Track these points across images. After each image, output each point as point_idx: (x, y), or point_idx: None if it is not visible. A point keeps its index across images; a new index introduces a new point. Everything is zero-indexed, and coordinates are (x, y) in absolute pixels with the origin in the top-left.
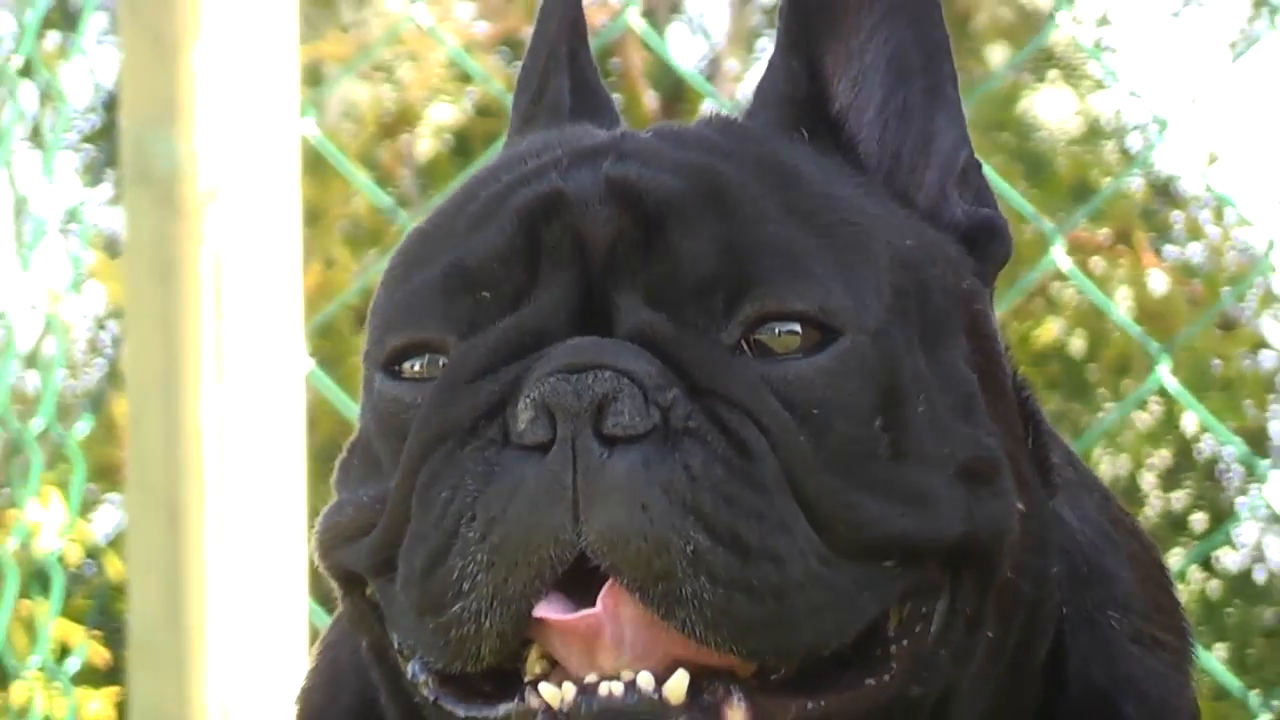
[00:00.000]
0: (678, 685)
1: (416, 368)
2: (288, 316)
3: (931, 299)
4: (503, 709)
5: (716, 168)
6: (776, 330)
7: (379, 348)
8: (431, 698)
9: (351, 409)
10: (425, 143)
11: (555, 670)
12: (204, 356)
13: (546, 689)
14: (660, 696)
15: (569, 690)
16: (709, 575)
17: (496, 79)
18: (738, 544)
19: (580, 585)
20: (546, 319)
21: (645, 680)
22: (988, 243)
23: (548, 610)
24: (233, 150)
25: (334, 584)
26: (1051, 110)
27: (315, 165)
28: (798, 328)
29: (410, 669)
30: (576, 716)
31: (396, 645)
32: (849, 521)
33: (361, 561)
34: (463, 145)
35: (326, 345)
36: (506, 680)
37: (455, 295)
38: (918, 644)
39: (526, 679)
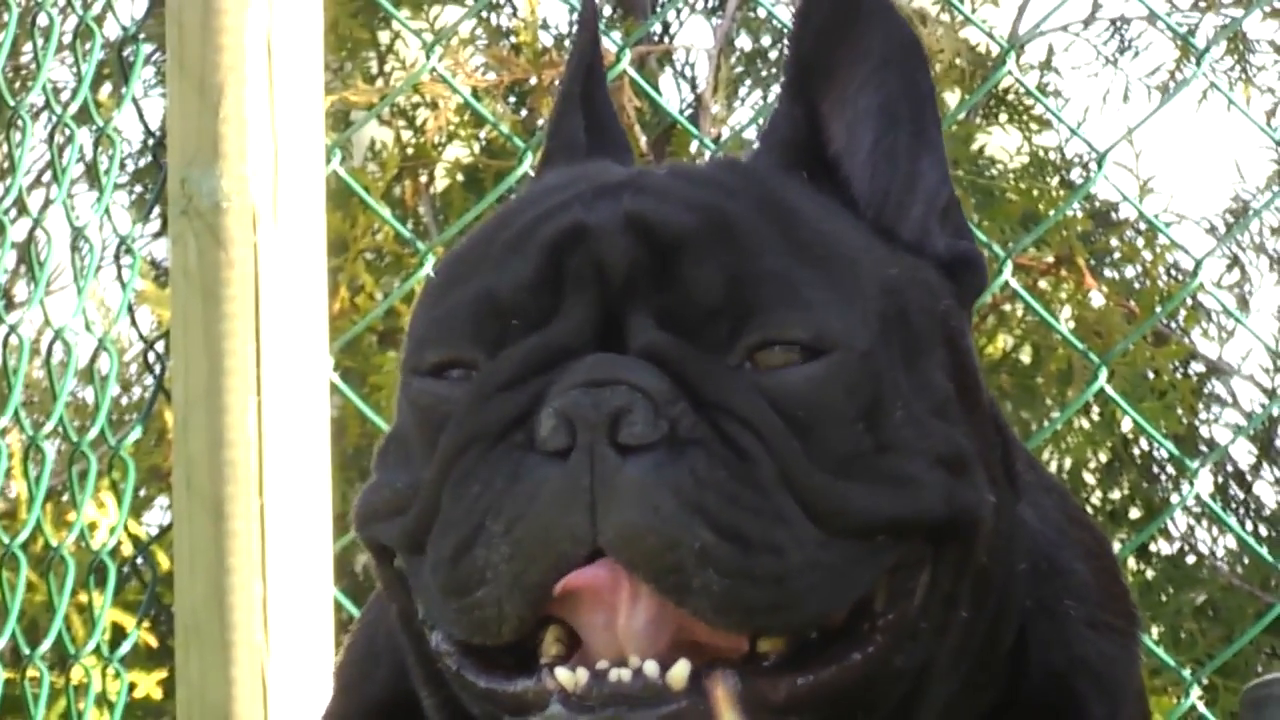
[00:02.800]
0: (679, 673)
1: (451, 376)
2: (316, 335)
3: (911, 320)
4: (520, 685)
5: (724, 205)
6: (774, 351)
7: (417, 358)
8: (455, 667)
9: (373, 418)
10: (441, 180)
11: (573, 653)
12: (244, 371)
13: (562, 673)
14: (664, 683)
15: (583, 675)
16: (716, 567)
17: (505, 122)
18: (740, 538)
19: None
20: (569, 337)
21: (651, 668)
22: (965, 272)
23: (563, 581)
24: (268, 186)
25: (368, 552)
26: (1002, 148)
27: (343, 200)
28: (793, 351)
29: (434, 639)
30: (589, 698)
31: (421, 616)
32: (841, 509)
33: (394, 538)
34: (474, 182)
35: (352, 361)
36: (525, 656)
37: (486, 318)
38: (901, 616)
39: (543, 660)
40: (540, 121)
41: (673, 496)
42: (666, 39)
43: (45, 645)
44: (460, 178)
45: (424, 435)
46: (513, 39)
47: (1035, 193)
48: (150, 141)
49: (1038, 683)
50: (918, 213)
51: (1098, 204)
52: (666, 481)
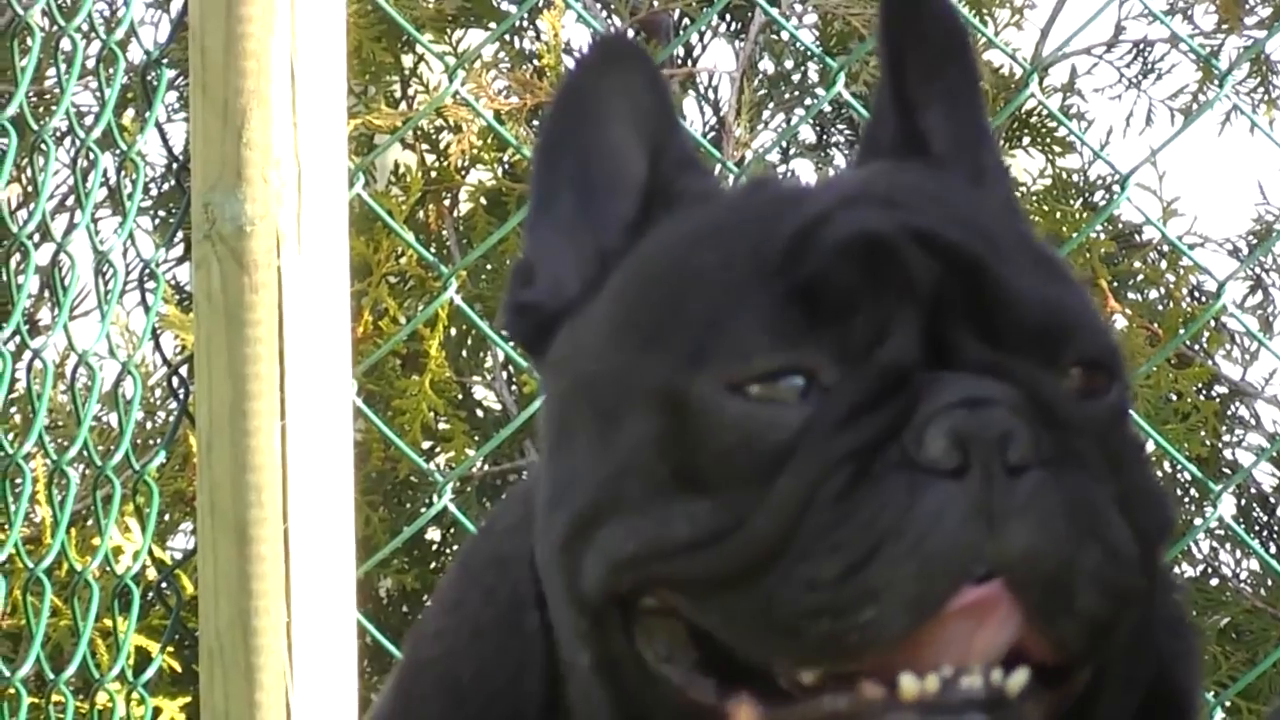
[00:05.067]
0: (1019, 681)
1: (779, 391)
2: (339, 359)
3: None
4: (830, 703)
5: (981, 220)
6: (1084, 372)
7: (732, 370)
8: (713, 699)
9: (397, 442)
10: (464, 204)
11: (830, 680)
12: (268, 395)
13: (909, 682)
14: (1005, 689)
15: (933, 682)
16: (1101, 587)
17: (528, 146)
18: (1118, 558)
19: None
20: (910, 355)
21: (997, 675)
22: None
23: (961, 598)
24: (292, 210)
25: (598, 598)
26: (1025, 170)
27: (366, 224)
28: (1095, 370)
29: (676, 676)
30: (940, 706)
31: (664, 653)
32: (1136, 528)
33: (698, 570)
34: (497, 205)
35: (375, 385)
36: (772, 685)
37: (819, 323)
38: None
39: (808, 683)
40: None
41: (1065, 516)
42: (689, 62)
43: (70, 671)
44: (483, 201)
45: (753, 457)
46: (536, 62)
47: (1058, 215)
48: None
49: (1162, 690)
50: None
51: (1121, 226)
52: (1059, 501)
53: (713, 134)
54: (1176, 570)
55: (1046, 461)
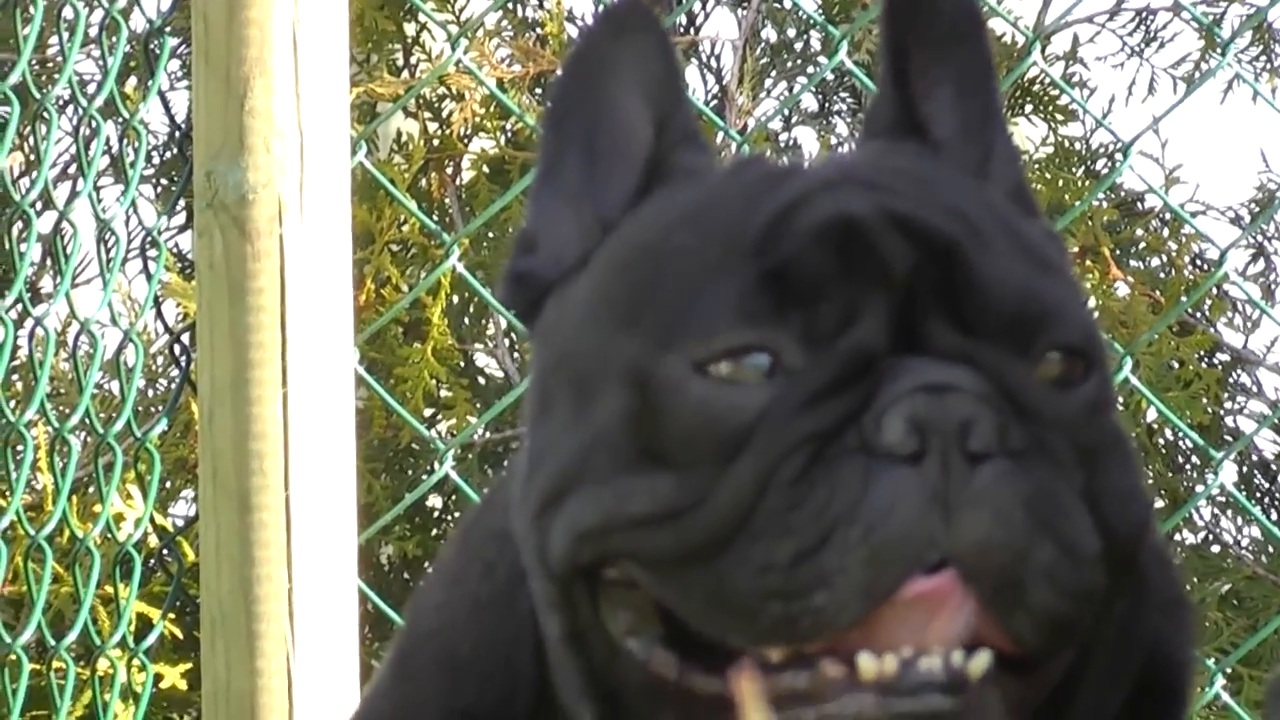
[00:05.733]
0: (980, 664)
1: (744, 371)
2: (342, 327)
3: None
4: (788, 679)
5: (963, 206)
6: (1059, 361)
7: (697, 348)
8: (674, 675)
9: (399, 410)
10: (467, 172)
11: (794, 658)
12: (270, 364)
13: (867, 661)
14: (966, 672)
15: (891, 663)
16: (1051, 583)
17: (530, 114)
18: (1073, 552)
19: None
20: (876, 338)
21: (958, 658)
22: None
23: (911, 587)
24: (294, 179)
25: (563, 568)
26: (1027, 139)
27: (369, 192)
28: (1071, 358)
29: (639, 649)
30: (897, 686)
31: (627, 626)
32: (1104, 525)
33: (657, 547)
34: (500, 174)
35: (377, 354)
36: (725, 660)
37: (785, 304)
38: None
39: (775, 660)
40: None
41: (1022, 508)
42: (691, 30)
43: (71, 637)
44: (486, 170)
45: (714, 437)
46: (539, 30)
47: (1061, 183)
48: (176, 134)
49: (1153, 671)
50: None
51: (1123, 194)
52: (1018, 492)
53: (715, 102)
54: (1177, 537)
55: (1010, 451)
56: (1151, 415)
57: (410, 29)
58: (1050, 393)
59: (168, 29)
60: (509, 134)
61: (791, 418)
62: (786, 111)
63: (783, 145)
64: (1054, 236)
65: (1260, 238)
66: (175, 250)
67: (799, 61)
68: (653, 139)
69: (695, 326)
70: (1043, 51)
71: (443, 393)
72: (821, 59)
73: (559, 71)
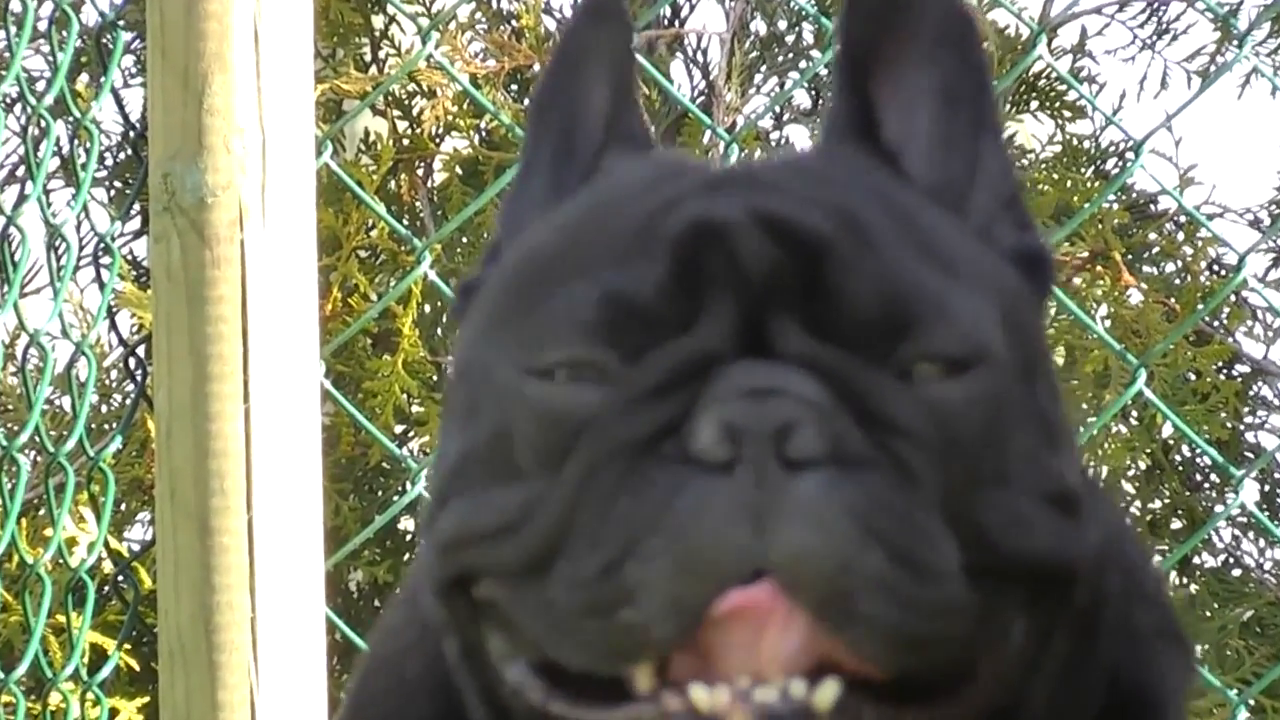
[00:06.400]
0: (827, 694)
1: (569, 378)
2: (307, 338)
3: (1025, 337)
4: (630, 710)
5: (851, 205)
6: (927, 363)
7: (533, 356)
8: (541, 701)
9: (367, 426)
10: (439, 173)
11: (667, 685)
12: (231, 377)
13: (699, 692)
14: (810, 703)
15: (723, 694)
16: (887, 595)
17: (506, 112)
18: (912, 565)
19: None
20: (713, 344)
21: (798, 688)
22: (1034, 271)
23: (725, 602)
24: (256, 181)
25: (437, 586)
26: (1033, 137)
27: (335, 195)
28: (945, 364)
29: (513, 673)
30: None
31: (501, 649)
32: (981, 543)
33: (501, 561)
34: (474, 175)
35: (345, 366)
36: (614, 689)
37: (619, 321)
38: (1000, 654)
39: (642, 690)
40: None
41: (847, 517)
42: (677, 23)
43: (21, 669)
44: (459, 171)
45: (547, 446)
46: (514, 23)
47: (1068, 184)
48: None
49: (1121, 703)
50: (982, 204)
51: (1135, 196)
52: (840, 501)
53: (702, 99)
54: (1196, 560)
55: (842, 460)
56: (1167, 430)
57: (378, 22)
58: (912, 400)
59: (121, 22)
60: (483, 133)
61: (609, 427)
62: (777, 109)
63: (774, 144)
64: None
65: None
66: (130, 257)
67: (790, 56)
68: (601, 137)
69: (539, 337)
70: (1049, 44)
71: (414, 408)
72: (814, 53)
73: (538, 66)
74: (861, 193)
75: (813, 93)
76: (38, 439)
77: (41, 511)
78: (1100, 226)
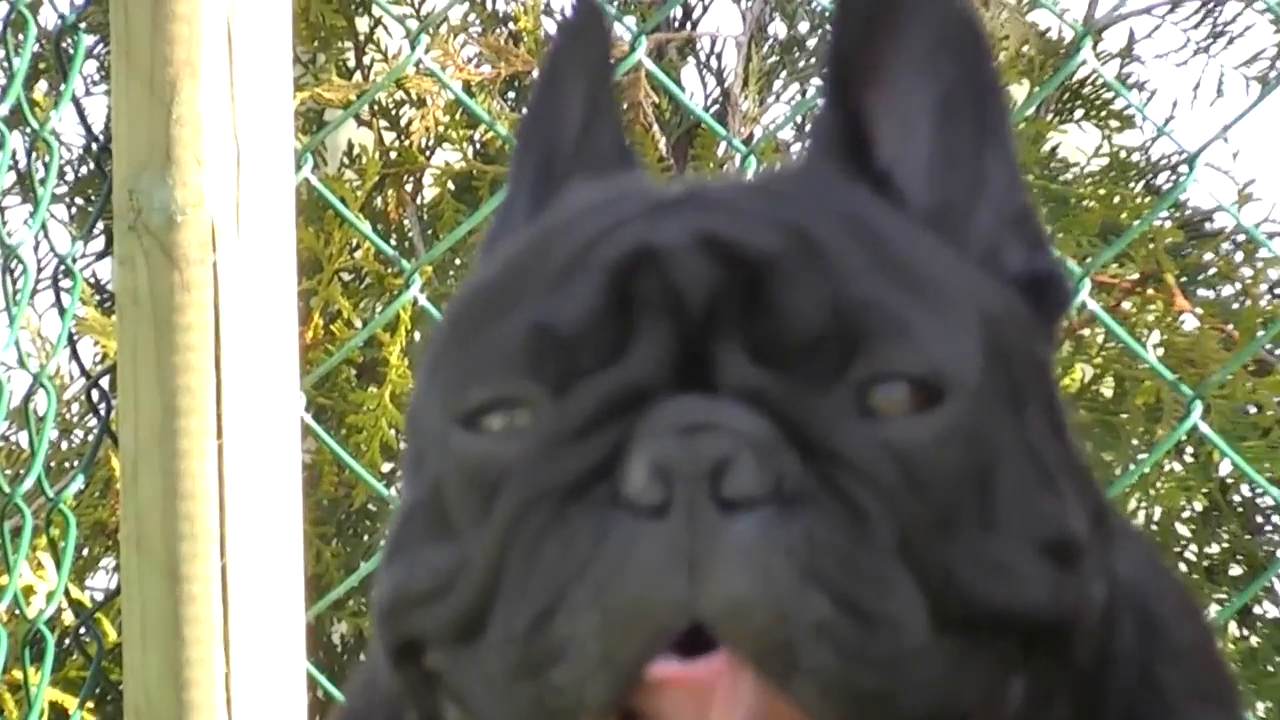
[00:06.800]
0: None
1: (499, 424)
2: (286, 369)
3: (1013, 362)
4: None
5: (805, 222)
6: (885, 392)
7: (458, 400)
8: None
9: (352, 464)
10: (429, 189)
11: None
12: (202, 411)
13: None
14: None
15: None
16: (831, 645)
17: (502, 122)
18: (859, 612)
19: (687, 654)
20: (646, 375)
21: None
22: (1045, 295)
23: (661, 668)
24: (230, 197)
25: (387, 654)
26: (1077, 148)
27: (316, 213)
28: (906, 390)
29: None
30: None
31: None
32: (952, 591)
33: (438, 626)
34: (468, 191)
35: (327, 399)
36: None
37: (545, 351)
38: (996, 715)
39: None
40: None
41: (786, 561)
42: (689, 25)
43: None
44: (451, 186)
45: (474, 497)
46: (511, 26)
47: (1116, 200)
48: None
49: None
50: (985, 224)
51: (1188, 213)
52: (778, 543)
53: (716, 108)
54: (1257, 610)
55: (783, 497)
56: (1225, 468)
57: (363, 25)
58: (864, 430)
59: (82, 25)
60: (477, 145)
61: (535, 469)
62: (799, 118)
63: (795, 156)
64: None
65: None
66: (92, 280)
67: (812, 61)
68: (569, 158)
69: (466, 377)
70: (1094, 48)
71: (402, 444)
72: None
73: (536, 72)
74: (823, 213)
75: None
76: None
77: None
78: (1151, 246)
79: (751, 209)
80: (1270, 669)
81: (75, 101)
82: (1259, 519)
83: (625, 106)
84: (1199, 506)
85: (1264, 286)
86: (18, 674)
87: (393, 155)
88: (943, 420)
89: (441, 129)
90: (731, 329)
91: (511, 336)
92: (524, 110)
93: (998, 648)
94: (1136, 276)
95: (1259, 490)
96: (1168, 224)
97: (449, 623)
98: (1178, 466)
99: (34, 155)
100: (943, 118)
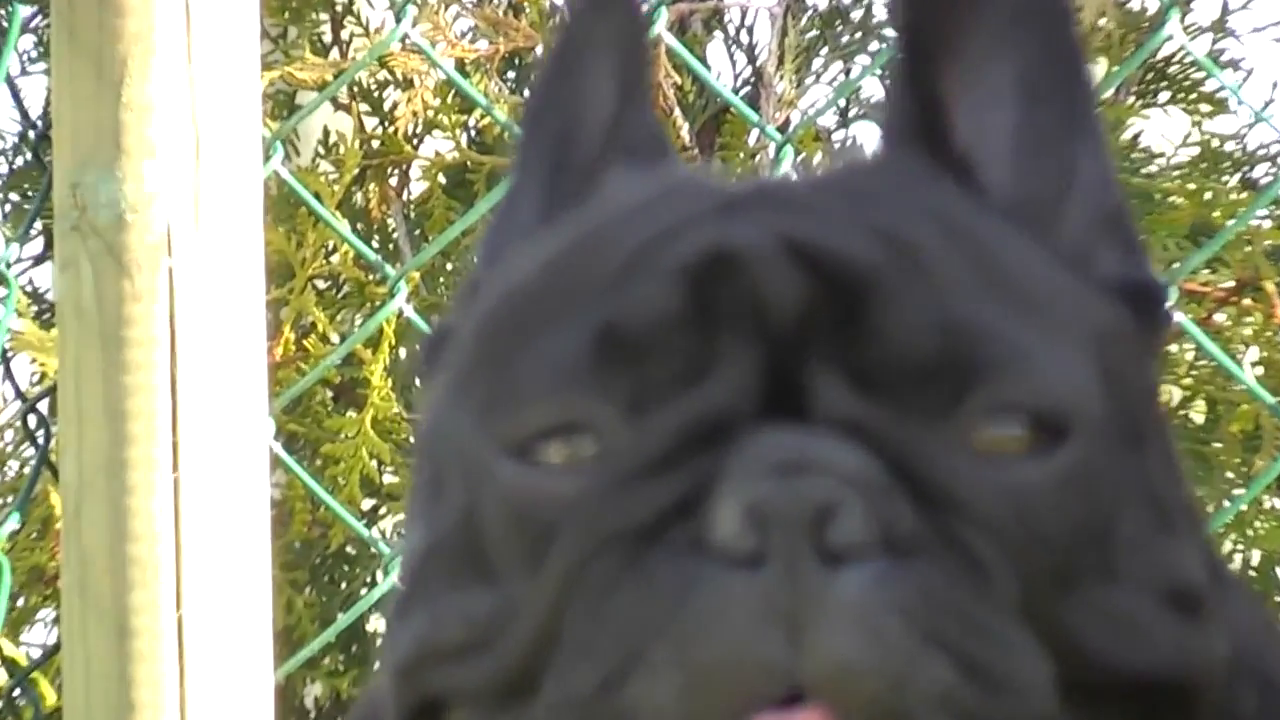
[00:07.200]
0: None
1: (561, 454)
2: (252, 391)
3: (1127, 391)
4: None
5: (903, 229)
6: (1002, 429)
7: (506, 424)
8: None
9: (327, 500)
10: (417, 183)
11: None
12: (155, 439)
13: None
14: None
15: None
16: (954, 715)
17: (500, 106)
18: (984, 678)
19: None
20: (732, 400)
21: None
22: (1143, 312)
23: None
24: (187, 193)
25: (398, 716)
26: (1163, 136)
27: (287, 211)
28: (1027, 427)
29: None
30: None
31: None
32: (1076, 651)
33: (472, 683)
34: (461, 185)
35: (299, 425)
36: None
37: (613, 365)
38: None
39: None
40: None
41: (902, 621)
42: None
43: None
44: (442, 180)
45: (525, 536)
46: None
47: (1208, 196)
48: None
49: None
50: (1075, 223)
51: None
52: (892, 601)
53: (748, 89)
54: None
55: (895, 548)
56: None
57: None
58: (983, 470)
59: None
60: (472, 133)
61: (604, 507)
62: (842, 101)
63: (838, 145)
64: (1137, 284)
65: None
66: (30, 288)
67: (858, 35)
68: (598, 146)
69: (514, 396)
70: (1182, 21)
71: (386, 477)
72: (888, 32)
73: (540, 50)
74: (917, 213)
75: (887, 81)
76: None
77: None
78: (1248, 249)
79: (836, 210)
80: None
81: (9, 82)
82: None
83: None
84: None
85: None
86: None
87: (375, 144)
88: (1065, 461)
89: (431, 114)
90: (828, 351)
91: (571, 345)
92: (528, 92)
93: (1123, 711)
94: (1231, 284)
95: None
96: (1267, 223)
97: (489, 680)
98: (1278, 504)
99: None
100: (1026, 99)
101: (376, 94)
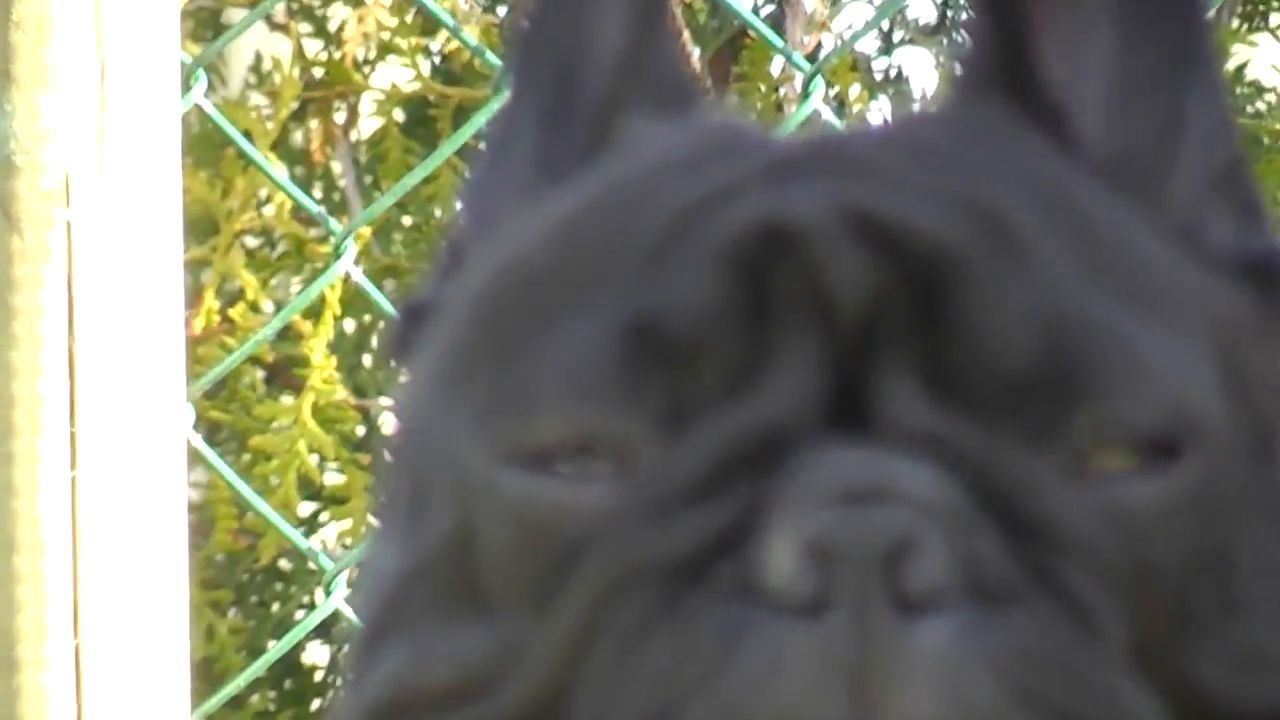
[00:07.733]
0: None
1: (568, 464)
2: (166, 372)
3: (1251, 389)
4: None
5: (992, 199)
6: (1109, 446)
7: (515, 431)
8: None
9: (258, 505)
10: (369, 120)
11: None
12: (47, 429)
13: None
14: None
15: None
16: None
17: (471, 28)
18: None
19: None
20: (788, 411)
21: None
22: (1265, 287)
23: None
24: (90, 131)
25: None
26: (1273, 68)
27: (211, 153)
28: (1139, 444)
29: None
30: None
31: None
32: (1196, 695)
33: None
34: (422, 122)
35: (224, 412)
36: None
37: (645, 368)
38: None
39: None
40: None
41: (993, 682)
42: None
43: None
44: (399, 115)
45: (534, 565)
46: None
47: None
48: None
49: None
50: (1186, 183)
51: None
52: (982, 657)
53: (771, 8)
54: None
55: (983, 594)
56: None
57: None
58: (1083, 497)
59: None
60: (436, 59)
61: (634, 535)
62: (884, 24)
63: (880, 79)
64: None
65: None
66: None
67: None
68: (612, 85)
69: (519, 403)
70: None
71: (329, 477)
72: None
73: None
74: (1007, 178)
75: (939, 1)
76: None
77: None
78: None
79: (910, 174)
80: None
81: None
82: None
83: None
84: None
85: None
86: None
87: (317, 72)
88: (1183, 480)
89: (386, 36)
90: (902, 351)
91: (594, 340)
92: (509, 9)
93: None
94: None
95: None
96: None
97: None
98: None
99: None
100: (1125, 34)
101: (319, 11)
